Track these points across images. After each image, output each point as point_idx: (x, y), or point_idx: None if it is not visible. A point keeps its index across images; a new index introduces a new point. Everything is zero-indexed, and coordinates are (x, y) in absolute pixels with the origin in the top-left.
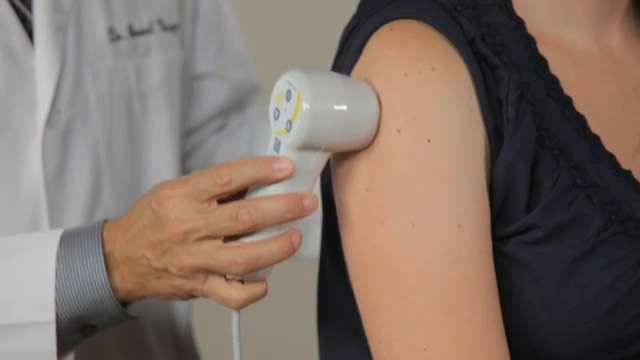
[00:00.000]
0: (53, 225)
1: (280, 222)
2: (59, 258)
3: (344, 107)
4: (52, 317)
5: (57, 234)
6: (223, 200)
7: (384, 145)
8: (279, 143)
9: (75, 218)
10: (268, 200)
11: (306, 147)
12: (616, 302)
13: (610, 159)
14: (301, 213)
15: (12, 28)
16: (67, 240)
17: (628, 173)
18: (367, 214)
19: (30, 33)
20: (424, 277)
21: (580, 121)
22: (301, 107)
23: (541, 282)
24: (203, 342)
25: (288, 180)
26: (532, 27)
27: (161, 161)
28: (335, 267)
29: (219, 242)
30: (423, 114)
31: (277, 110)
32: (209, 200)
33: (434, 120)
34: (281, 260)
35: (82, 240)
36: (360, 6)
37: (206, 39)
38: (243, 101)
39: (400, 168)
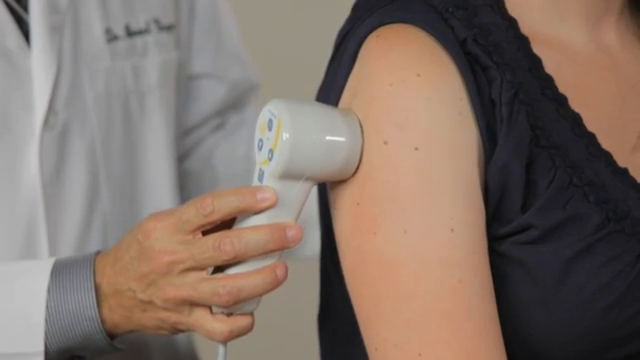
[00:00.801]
0: (50, 226)
1: (263, 252)
2: (50, 290)
3: (324, 137)
4: (41, 348)
5: (49, 264)
6: (209, 231)
7: (373, 158)
8: (262, 173)
9: (72, 219)
10: (251, 230)
11: (287, 176)
12: (613, 300)
13: (606, 157)
14: (284, 244)
15: (8, 29)
16: (59, 271)
17: (625, 171)
18: (360, 227)
19: (26, 34)
20: (418, 282)
21: (576, 119)
22: (281, 136)
23: (539, 282)
24: (204, 352)
25: (272, 210)
26: (526, 27)
27: (158, 161)
28: (337, 273)
29: (203, 274)
30: (408, 123)
31: (261, 140)
32: (193, 231)
33: (420, 127)
34: (265, 292)
35: (74, 272)
36: (354, 9)
37: (203, 38)
38: (241, 100)
39: (389, 179)
